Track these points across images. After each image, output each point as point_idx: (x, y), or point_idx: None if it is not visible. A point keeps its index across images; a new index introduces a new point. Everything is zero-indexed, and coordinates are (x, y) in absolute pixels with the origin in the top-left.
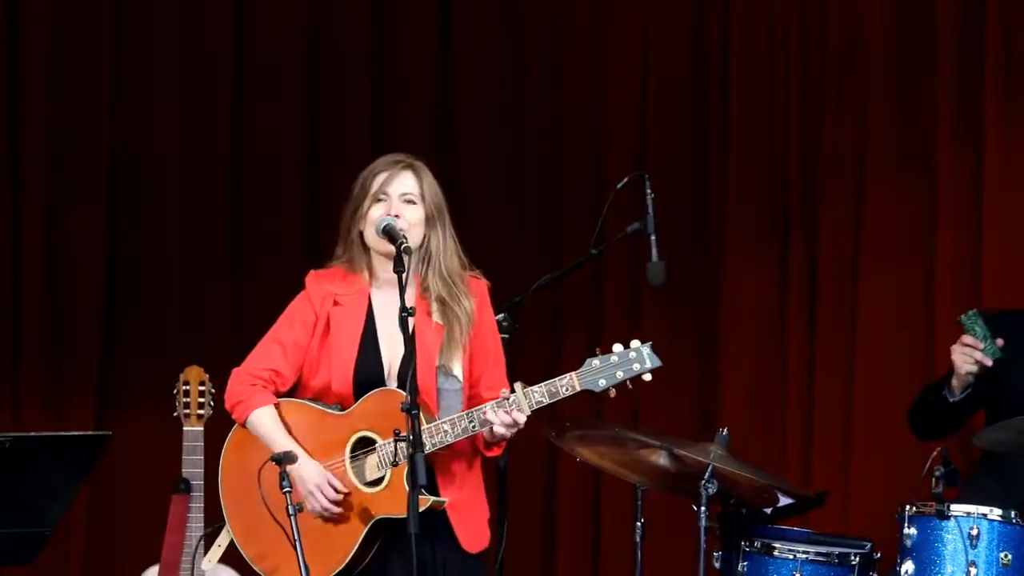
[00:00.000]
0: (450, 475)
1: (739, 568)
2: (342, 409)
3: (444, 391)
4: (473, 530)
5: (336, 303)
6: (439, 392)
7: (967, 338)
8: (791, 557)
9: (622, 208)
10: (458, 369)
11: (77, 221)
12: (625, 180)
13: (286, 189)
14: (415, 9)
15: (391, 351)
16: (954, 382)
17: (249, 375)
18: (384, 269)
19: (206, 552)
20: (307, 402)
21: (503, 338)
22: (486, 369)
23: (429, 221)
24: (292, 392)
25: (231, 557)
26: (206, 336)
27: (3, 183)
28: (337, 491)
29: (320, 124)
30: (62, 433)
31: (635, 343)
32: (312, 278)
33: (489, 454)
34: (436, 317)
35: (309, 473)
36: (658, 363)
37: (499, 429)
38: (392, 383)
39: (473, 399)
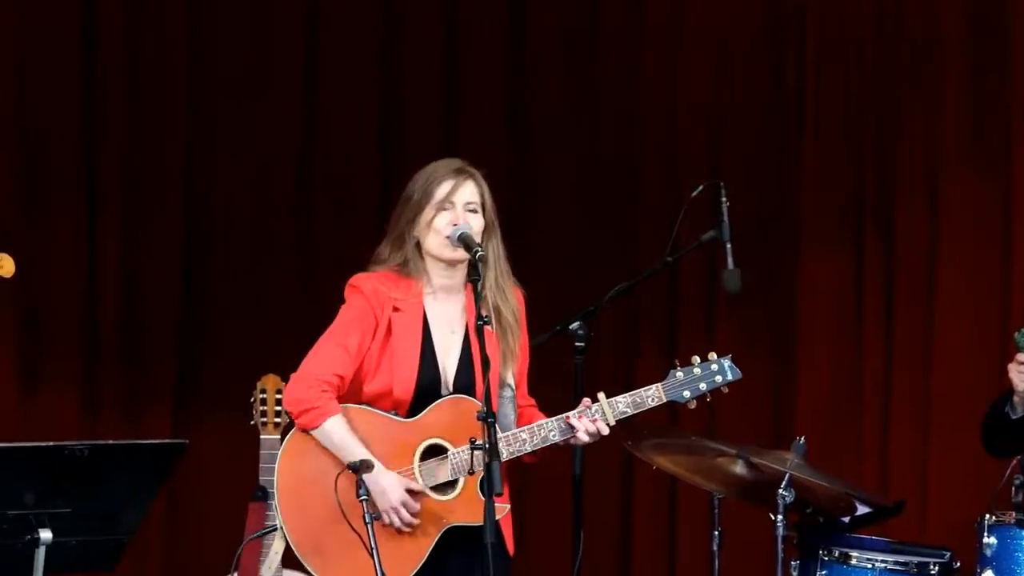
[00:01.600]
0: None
1: None
2: (397, 414)
3: (500, 399)
4: (510, 534)
5: (396, 308)
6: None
7: (1022, 356)
8: (869, 566)
9: (697, 211)
10: (511, 377)
11: (153, 232)
12: (700, 188)
13: (358, 193)
14: (488, 8)
15: (445, 359)
16: (1015, 399)
17: (318, 380)
18: (440, 276)
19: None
20: (369, 408)
21: (578, 346)
22: (523, 378)
23: (487, 230)
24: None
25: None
26: (282, 344)
27: (80, 196)
28: (416, 509)
29: (392, 126)
30: (139, 441)
31: (713, 355)
32: (365, 282)
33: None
34: (492, 327)
35: (391, 488)
36: (739, 375)
37: (583, 437)
38: (447, 391)
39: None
